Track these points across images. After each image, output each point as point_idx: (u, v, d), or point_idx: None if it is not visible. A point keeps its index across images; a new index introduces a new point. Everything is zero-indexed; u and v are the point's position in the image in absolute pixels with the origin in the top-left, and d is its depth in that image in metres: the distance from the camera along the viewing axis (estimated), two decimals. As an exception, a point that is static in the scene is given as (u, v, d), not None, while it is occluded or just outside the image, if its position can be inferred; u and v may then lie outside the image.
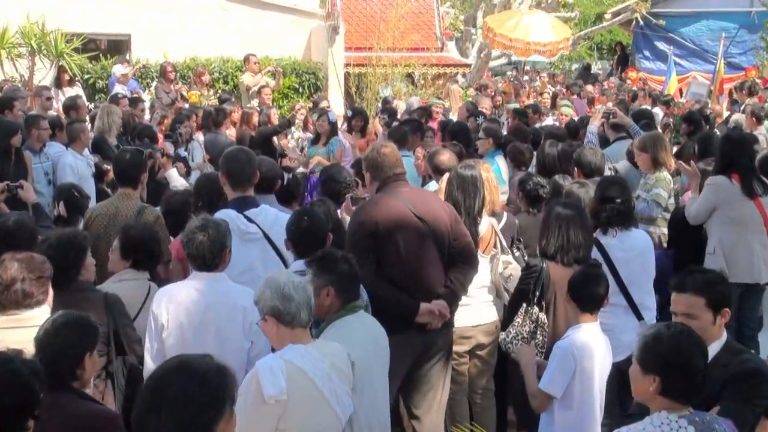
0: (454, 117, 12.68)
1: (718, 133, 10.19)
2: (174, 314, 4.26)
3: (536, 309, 5.00)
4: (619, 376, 5.31)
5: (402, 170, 5.31)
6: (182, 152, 9.23)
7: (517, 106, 13.29)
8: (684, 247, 6.63)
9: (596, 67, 32.02)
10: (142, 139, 8.52)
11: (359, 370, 3.82)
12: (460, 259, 5.18)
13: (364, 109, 12.68)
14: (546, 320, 4.97)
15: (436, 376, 5.18)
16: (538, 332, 4.97)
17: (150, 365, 4.23)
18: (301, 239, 4.64)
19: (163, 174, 7.59)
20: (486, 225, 5.69)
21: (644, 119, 9.85)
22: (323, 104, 12.40)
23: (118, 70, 14.10)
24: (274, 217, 5.21)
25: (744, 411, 3.19)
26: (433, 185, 7.00)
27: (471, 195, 5.58)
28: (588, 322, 4.48)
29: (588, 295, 4.48)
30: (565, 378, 4.38)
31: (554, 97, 16.03)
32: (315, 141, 10.23)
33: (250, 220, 5.11)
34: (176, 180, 7.36)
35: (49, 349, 3.43)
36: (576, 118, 11.90)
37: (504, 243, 5.75)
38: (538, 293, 5.00)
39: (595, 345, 4.45)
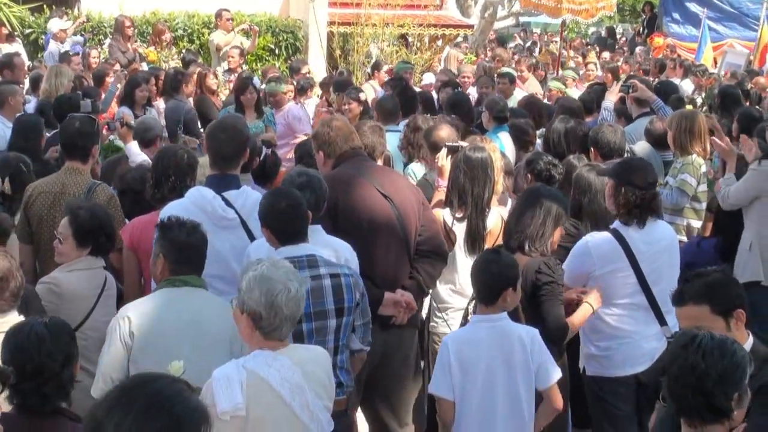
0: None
1: (761, 110, 10.20)
2: None
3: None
4: (638, 388, 5.37)
5: (359, 144, 5.33)
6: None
7: (509, 71, 12.79)
8: (729, 237, 6.66)
9: (617, 31, 31.99)
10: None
11: (138, 340, 4.05)
12: (427, 250, 5.21)
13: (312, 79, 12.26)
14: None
15: (402, 381, 5.23)
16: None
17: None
18: (281, 223, 4.41)
19: (53, 154, 7.18)
20: (495, 217, 5.64)
21: (670, 93, 9.85)
22: (303, 69, 12.37)
23: (56, 24, 13.88)
24: (254, 201, 4.87)
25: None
26: (417, 167, 7.03)
27: (480, 183, 5.52)
28: (482, 313, 4.52)
29: (480, 283, 4.52)
30: (444, 375, 4.41)
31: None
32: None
33: (228, 203, 4.92)
34: (136, 155, 7.34)
35: (36, 361, 3.45)
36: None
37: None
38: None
39: (479, 335, 4.46)
